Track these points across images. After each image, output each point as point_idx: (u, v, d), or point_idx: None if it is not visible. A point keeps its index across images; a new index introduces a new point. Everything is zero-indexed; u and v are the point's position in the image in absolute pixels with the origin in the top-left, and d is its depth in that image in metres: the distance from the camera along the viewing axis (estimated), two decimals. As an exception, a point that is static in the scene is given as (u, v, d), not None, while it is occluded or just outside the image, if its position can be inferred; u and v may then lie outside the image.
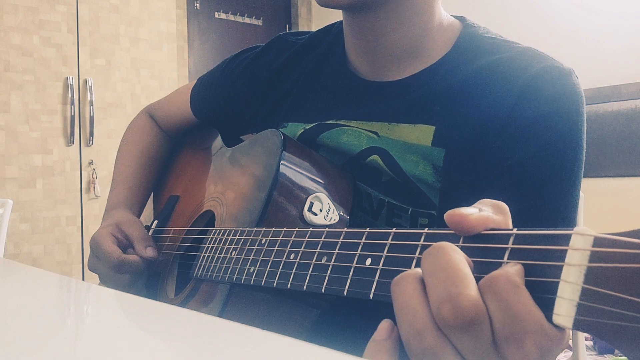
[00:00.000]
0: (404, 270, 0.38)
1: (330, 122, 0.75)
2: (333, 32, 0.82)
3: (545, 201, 0.63)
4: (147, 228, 0.92)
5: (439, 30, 0.72)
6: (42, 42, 2.54)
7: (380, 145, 0.70)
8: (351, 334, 0.64)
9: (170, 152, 1.04)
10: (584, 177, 0.67)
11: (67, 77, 2.60)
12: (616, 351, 2.25)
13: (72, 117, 2.60)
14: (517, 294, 0.31)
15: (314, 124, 0.76)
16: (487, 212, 0.36)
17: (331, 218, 0.64)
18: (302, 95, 0.80)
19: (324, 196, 0.65)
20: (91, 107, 2.65)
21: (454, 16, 0.76)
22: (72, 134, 2.60)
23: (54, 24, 2.57)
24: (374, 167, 0.71)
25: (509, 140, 0.64)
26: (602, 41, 2.72)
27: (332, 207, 0.65)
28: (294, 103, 0.81)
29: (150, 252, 0.78)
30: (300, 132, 0.77)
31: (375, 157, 0.70)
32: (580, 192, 0.66)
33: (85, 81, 2.64)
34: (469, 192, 0.65)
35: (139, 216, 0.95)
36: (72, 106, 2.60)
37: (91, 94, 2.65)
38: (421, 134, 0.68)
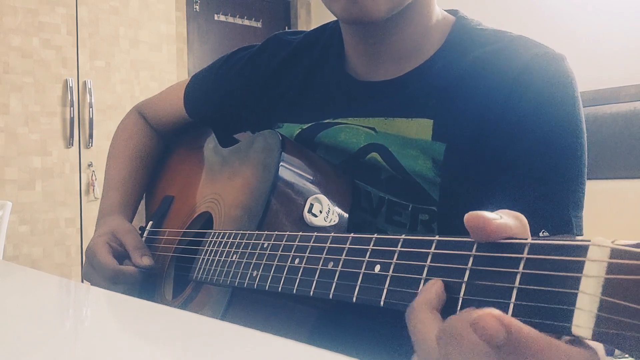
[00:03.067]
0: (415, 278, 0.37)
1: (327, 121, 0.75)
2: (327, 32, 0.82)
3: (550, 191, 0.61)
4: (142, 229, 0.91)
5: (435, 26, 0.72)
6: (42, 44, 2.54)
7: (378, 142, 0.70)
8: (352, 335, 0.64)
9: (162, 151, 1.03)
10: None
11: (67, 79, 2.59)
12: (616, 352, 2.24)
13: (72, 119, 2.60)
14: (528, 343, 0.30)
15: (311, 124, 0.76)
16: (508, 221, 0.35)
17: (331, 219, 0.64)
18: (299, 96, 0.80)
19: (323, 197, 0.64)
20: (90, 109, 2.65)
21: (448, 10, 0.75)
22: (72, 135, 2.60)
23: (54, 26, 2.57)
24: (373, 164, 0.70)
25: (507, 133, 0.63)
26: (601, 42, 2.72)
27: (332, 208, 0.64)
28: (290, 104, 0.81)
29: (146, 261, 0.77)
30: (297, 132, 0.77)
31: (374, 154, 0.70)
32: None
33: (85, 83, 2.64)
34: (470, 187, 0.65)
35: (132, 220, 0.94)
36: (72, 108, 2.60)
37: (91, 95, 2.65)
38: (420, 129, 0.67)
